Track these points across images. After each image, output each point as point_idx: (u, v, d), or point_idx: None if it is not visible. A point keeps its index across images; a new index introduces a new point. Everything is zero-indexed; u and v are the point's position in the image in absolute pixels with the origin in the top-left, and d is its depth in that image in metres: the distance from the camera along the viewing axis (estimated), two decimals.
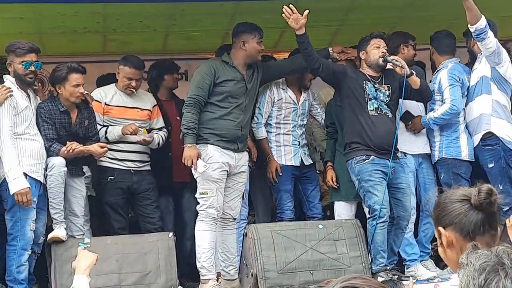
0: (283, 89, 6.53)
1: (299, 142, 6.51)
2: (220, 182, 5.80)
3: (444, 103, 6.24)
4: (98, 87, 6.65)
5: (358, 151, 5.88)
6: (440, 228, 2.48)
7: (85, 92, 5.93)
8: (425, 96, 6.19)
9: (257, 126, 6.40)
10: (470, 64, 6.56)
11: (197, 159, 5.68)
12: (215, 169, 5.78)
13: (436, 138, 6.39)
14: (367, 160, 5.84)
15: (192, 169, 5.78)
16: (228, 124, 5.88)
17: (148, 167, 6.35)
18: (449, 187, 2.62)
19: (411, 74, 5.94)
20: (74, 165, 5.87)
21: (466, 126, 6.34)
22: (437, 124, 6.29)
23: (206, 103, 5.87)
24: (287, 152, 6.47)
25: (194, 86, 5.88)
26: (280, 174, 6.36)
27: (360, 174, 5.85)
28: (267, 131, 6.48)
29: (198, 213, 5.84)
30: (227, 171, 5.86)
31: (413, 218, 6.26)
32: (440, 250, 2.56)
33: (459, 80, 6.28)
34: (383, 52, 6.01)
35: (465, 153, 6.28)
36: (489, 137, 6.19)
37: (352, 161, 5.91)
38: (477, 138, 6.26)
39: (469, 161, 6.30)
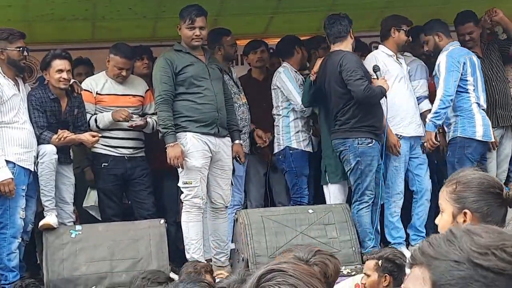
0: (295, 71, 6.54)
1: (310, 127, 6.56)
2: (203, 170, 5.73)
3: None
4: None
5: (363, 133, 5.87)
6: (467, 211, 2.57)
7: (73, 80, 5.91)
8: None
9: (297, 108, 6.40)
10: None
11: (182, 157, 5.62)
12: (197, 157, 5.70)
13: (452, 119, 6.28)
14: (370, 144, 5.86)
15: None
16: (203, 108, 5.77)
17: (142, 153, 6.33)
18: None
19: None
20: (63, 152, 5.86)
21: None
22: (439, 120, 6.14)
23: (176, 95, 5.77)
24: (304, 138, 6.50)
25: (158, 83, 5.77)
26: None
27: (362, 156, 5.85)
28: (286, 116, 6.47)
29: (183, 203, 5.76)
30: (211, 157, 5.80)
31: (400, 203, 6.24)
32: (447, 225, 2.57)
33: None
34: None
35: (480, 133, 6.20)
36: None
37: (355, 141, 5.88)
38: None
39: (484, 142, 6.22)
